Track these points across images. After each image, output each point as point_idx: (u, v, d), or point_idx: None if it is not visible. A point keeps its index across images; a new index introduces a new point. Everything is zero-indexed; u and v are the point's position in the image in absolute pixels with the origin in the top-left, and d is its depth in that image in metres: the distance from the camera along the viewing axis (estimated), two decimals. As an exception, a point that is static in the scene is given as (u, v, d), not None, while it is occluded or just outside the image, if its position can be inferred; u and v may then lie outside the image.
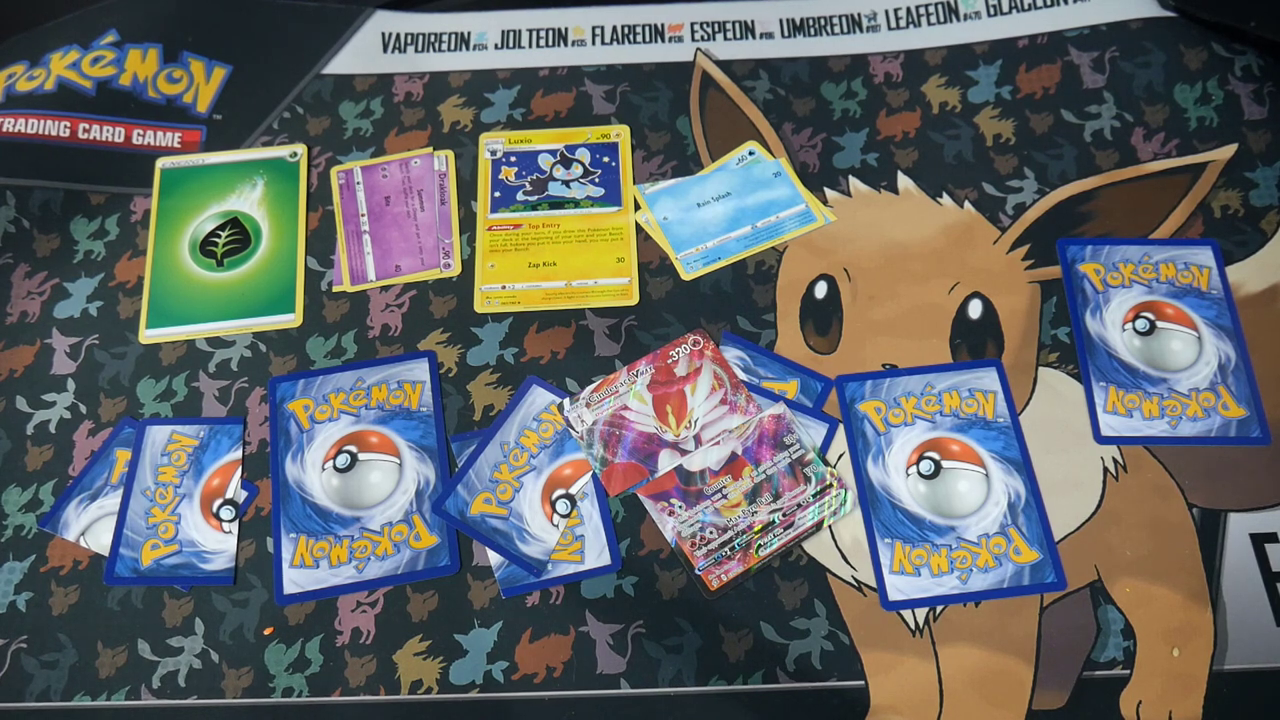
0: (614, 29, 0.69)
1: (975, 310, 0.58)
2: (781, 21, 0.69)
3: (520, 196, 0.63)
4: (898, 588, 0.52)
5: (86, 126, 0.66)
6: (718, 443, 0.55)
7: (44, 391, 0.59)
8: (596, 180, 0.63)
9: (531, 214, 0.63)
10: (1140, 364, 0.56)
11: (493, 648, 0.52)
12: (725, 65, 0.67)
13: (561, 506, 0.54)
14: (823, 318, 0.59)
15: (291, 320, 0.60)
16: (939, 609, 0.51)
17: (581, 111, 0.66)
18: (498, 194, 0.63)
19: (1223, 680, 0.50)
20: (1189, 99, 0.63)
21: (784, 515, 0.53)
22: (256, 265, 0.62)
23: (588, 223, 0.62)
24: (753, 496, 0.53)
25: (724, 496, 0.54)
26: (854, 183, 0.63)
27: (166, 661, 0.52)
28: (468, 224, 0.63)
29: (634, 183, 0.63)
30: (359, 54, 0.69)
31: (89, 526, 0.55)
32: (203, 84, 0.68)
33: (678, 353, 0.57)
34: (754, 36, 0.68)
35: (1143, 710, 0.49)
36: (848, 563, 0.53)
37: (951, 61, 0.66)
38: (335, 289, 0.61)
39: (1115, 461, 0.54)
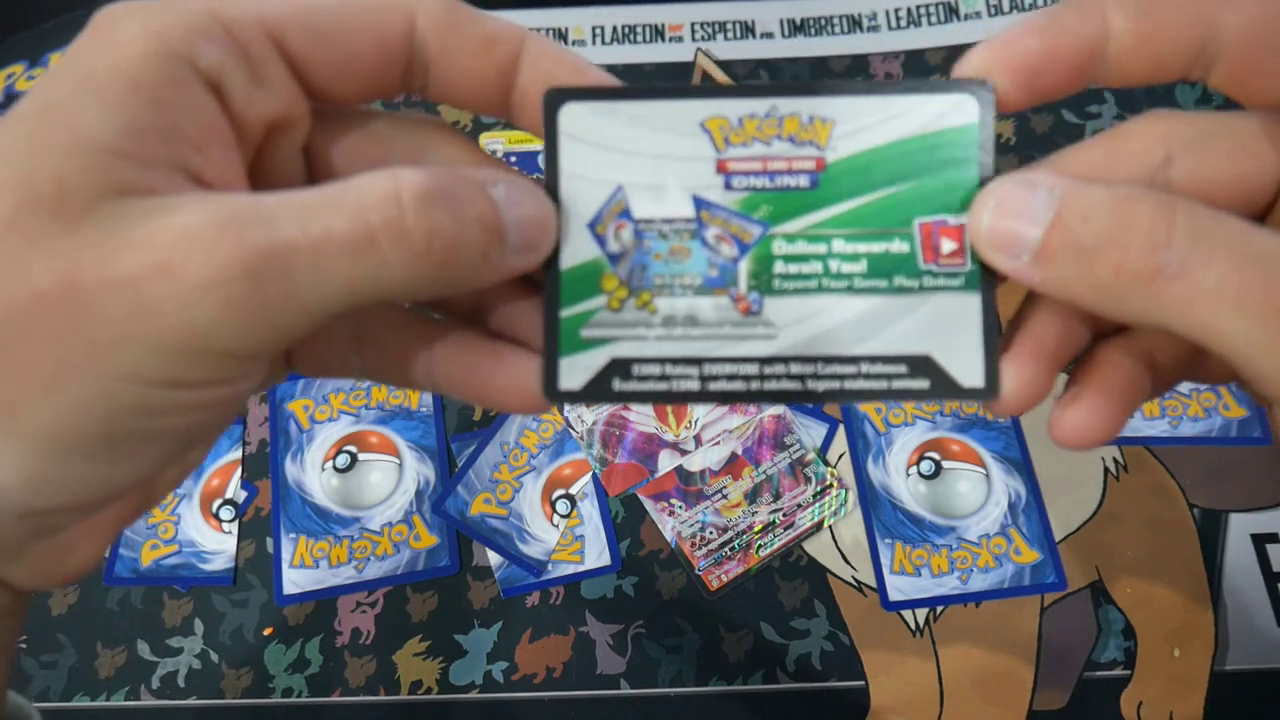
0: (614, 29, 0.69)
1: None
2: (781, 21, 0.69)
3: (520, 196, 0.63)
4: (898, 588, 0.52)
5: (86, 126, 0.66)
6: (718, 443, 0.55)
7: (44, 391, 0.59)
8: (596, 180, 0.63)
9: (531, 214, 0.62)
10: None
11: (493, 648, 0.52)
12: (725, 65, 0.67)
13: (561, 506, 0.54)
14: (823, 318, 0.59)
15: (291, 320, 0.60)
16: (939, 609, 0.51)
17: (581, 111, 0.66)
18: (498, 194, 0.63)
19: (1224, 681, 0.49)
20: (1189, 99, 0.63)
21: (784, 515, 0.53)
22: (256, 265, 0.62)
23: (588, 223, 0.62)
24: (753, 497, 0.53)
25: (724, 497, 0.53)
26: (854, 183, 0.63)
27: (166, 662, 0.52)
28: (468, 224, 0.63)
29: (634, 183, 0.63)
30: (359, 54, 0.69)
31: (89, 526, 0.55)
32: (203, 84, 0.68)
33: (678, 353, 0.57)
34: (754, 36, 0.68)
35: (1143, 711, 0.49)
36: (848, 563, 0.53)
37: (952, 61, 0.66)
38: (335, 289, 0.61)
39: (1116, 462, 0.54)
